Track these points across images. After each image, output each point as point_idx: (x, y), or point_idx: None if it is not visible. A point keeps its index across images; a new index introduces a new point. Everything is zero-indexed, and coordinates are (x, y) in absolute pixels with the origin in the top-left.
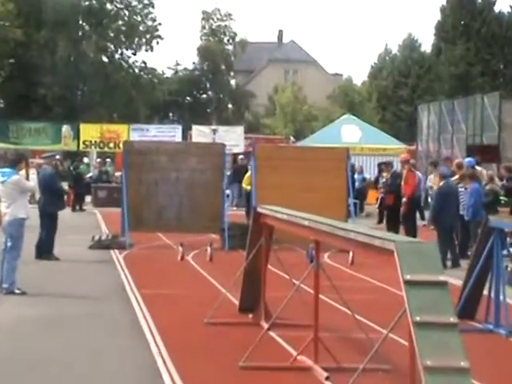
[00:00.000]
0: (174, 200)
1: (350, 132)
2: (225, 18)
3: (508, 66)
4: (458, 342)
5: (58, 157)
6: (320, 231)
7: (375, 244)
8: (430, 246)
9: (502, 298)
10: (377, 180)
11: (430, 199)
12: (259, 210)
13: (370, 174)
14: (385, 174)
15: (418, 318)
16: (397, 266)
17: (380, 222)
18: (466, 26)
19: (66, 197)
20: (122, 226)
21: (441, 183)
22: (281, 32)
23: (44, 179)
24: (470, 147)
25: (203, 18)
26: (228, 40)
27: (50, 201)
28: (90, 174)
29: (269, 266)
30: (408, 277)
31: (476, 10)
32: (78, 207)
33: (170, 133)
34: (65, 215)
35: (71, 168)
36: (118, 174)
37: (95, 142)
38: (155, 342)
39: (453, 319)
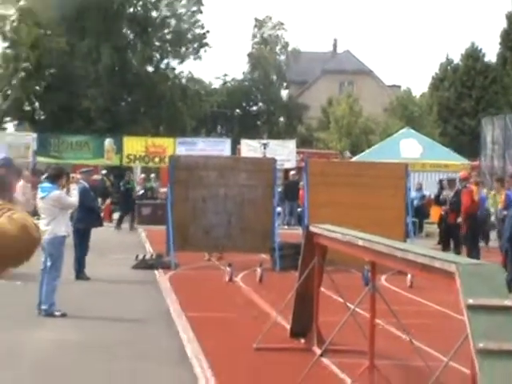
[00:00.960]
0: (223, 218)
1: (409, 147)
2: (277, 27)
3: None
4: None
5: (104, 171)
6: (376, 252)
7: (435, 266)
8: (493, 268)
9: None
10: (438, 197)
11: (493, 219)
12: (312, 229)
13: (430, 191)
14: (444, 193)
15: (481, 345)
16: (458, 289)
17: (440, 242)
18: None
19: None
20: (167, 245)
21: None
22: (335, 41)
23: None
24: None
25: (255, 26)
26: (280, 49)
27: (82, 217)
28: (140, 191)
29: (322, 289)
30: (470, 301)
31: None
32: (129, 226)
33: (219, 147)
34: (108, 233)
35: (121, 184)
36: (163, 190)
37: (139, 156)
38: (202, 369)
39: None
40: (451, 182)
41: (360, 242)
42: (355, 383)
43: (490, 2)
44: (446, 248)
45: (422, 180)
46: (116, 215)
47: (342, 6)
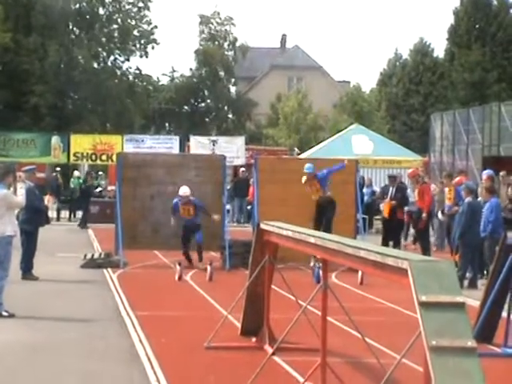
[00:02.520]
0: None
1: (361, 143)
2: (225, 23)
3: None
4: (476, 367)
5: (58, 169)
6: (328, 249)
7: (388, 263)
8: (446, 265)
9: None
10: (383, 193)
11: (439, 215)
12: (262, 226)
13: (380, 187)
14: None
15: (434, 342)
16: (411, 286)
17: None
18: (480, 29)
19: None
20: (115, 244)
21: (468, 199)
22: (284, 37)
23: None
24: (486, 159)
25: (201, 22)
26: (228, 45)
27: (28, 218)
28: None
29: (273, 287)
30: (423, 298)
31: (491, 13)
32: (79, 223)
33: (167, 144)
34: (56, 232)
35: (80, 182)
36: (111, 188)
37: (87, 154)
38: (152, 367)
39: (471, 343)
40: (392, 178)
41: (312, 240)
42: (307, 382)
43: None
44: (385, 244)
45: (372, 176)
46: (64, 213)
47: (292, 1)
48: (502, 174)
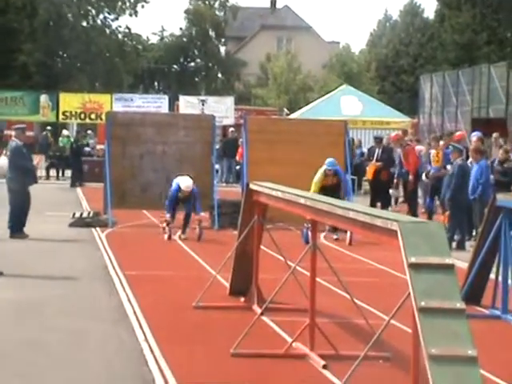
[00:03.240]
0: (161, 175)
1: (350, 104)
2: None
3: None
4: (465, 329)
5: (48, 128)
6: (317, 210)
7: (377, 224)
8: (435, 226)
9: (510, 282)
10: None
11: (423, 177)
12: (252, 186)
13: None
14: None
15: (422, 304)
16: (400, 247)
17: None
18: None
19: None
20: (104, 203)
21: (458, 160)
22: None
23: (10, 153)
24: (475, 121)
25: None
26: (219, 5)
27: (15, 176)
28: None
29: (262, 247)
30: (413, 259)
31: None
32: (77, 183)
33: (156, 103)
34: (44, 191)
35: (72, 140)
36: (99, 147)
37: (76, 112)
38: (141, 326)
39: (460, 305)
40: (377, 139)
41: (302, 200)
42: (296, 342)
43: None
44: (373, 205)
45: (362, 137)
46: (52, 172)
47: None
48: (494, 135)
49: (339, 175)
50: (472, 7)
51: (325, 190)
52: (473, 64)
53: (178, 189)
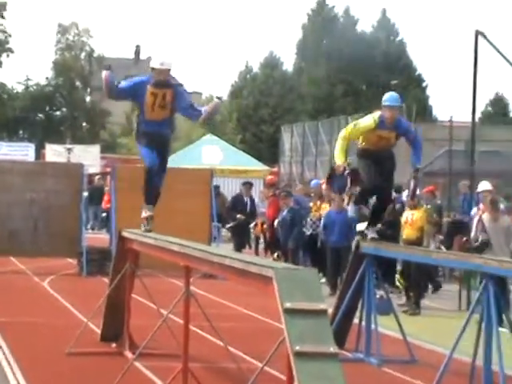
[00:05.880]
0: (29, 223)
1: (210, 153)
2: (82, 34)
3: (370, 86)
4: (338, 372)
5: None
6: (192, 257)
7: (252, 271)
8: (309, 273)
9: (373, 326)
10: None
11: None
12: (124, 234)
13: (229, 196)
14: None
15: (297, 348)
16: (275, 293)
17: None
18: (327, 45)
19: None
20: None
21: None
22: (138, 48)
23: None
24: (333, 169)
25: (59, 32)
26: (85, 56)
27: None
28: None
29: (134, 295)
30: (287, 305)
31: (338, 30)
32: None
33: (23, 151)
34: None
35: None
36: None
37: None
38: (14, 375)
39: (333, 349)
40: (246, 185)
41: (175, 248)
42: None
43: (288, 13)
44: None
45: (225, 185)
46: None
47: (145, 13)
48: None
49: (403, 128)
50: (329, 61)
51: (371, 154)
52: (331, 115)
53: (146, 77)
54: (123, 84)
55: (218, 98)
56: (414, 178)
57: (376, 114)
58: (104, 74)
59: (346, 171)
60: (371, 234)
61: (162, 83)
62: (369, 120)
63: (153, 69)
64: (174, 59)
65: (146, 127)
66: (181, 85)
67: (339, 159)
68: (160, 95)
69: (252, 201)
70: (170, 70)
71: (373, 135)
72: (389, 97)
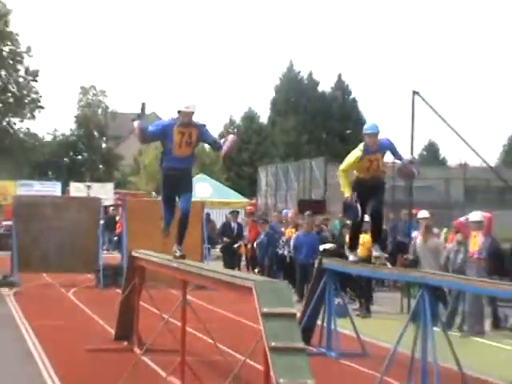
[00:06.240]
0: (57, 245)
1: (202, 188)
2: (99, 94)
3: (328, 135)
4: (305, 363)
5: None
6: (187, 272)
7: (236, 282)
8: (282, 284)
9: (332, 327)
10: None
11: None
12: (134, 254)
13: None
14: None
15: (272, 344)
16: (255, 301)
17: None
18: (295, 102)
19: None
20: (11, 267)
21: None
22: (143, 105)
23: None
24: (300, 202)
25: (81, 93)
26: (101, 111)
27: None
28: None
29: (143, 303)
30: (265, 309)
31: (303, 89)
32: None
33: (52, 188)
34: None
35: None
36: (6, 223)
37: None
38: (45, 365)
39: (301, 345)
40: (234, 213)
41: (175, 265)
42: (170, 376)
43: (263, 75)
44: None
45: (214, 215)
46: None
47: (149, 74)
48: (307, 213)
49: (385, 145)
50: (296, 114)
51: (362, 185)
52: (298, 158)
53: (172, 119)
54: (152, 129)
55: (232, 133)
56: (412, 162)
57: (360, 145)
58: (135, 123)
59: (354, 199)
60: (352, 258)
61: (187, 124)
62: (355, 151)
63: (179, 112)
64: (197, 103)
65: (173, 163)
66: (204, 125)
67: (346, 192)
68: (187, 134)
69: (239, 225)
70: (193, 112)
71: (363, 162)
72: (369, 126)
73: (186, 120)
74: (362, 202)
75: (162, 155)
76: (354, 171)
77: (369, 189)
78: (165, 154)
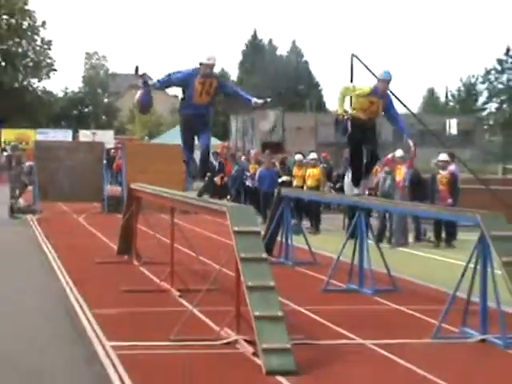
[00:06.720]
0: (70, 180)
1: None
2: (101, 58)
3: (286, 90)
4: (268, 270)
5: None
6: (175, 200)
7: (213, 208)
8: (249, 209)
9: (289, 242)
10: None
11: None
12: (132, 186)
13: None
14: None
15: (242, 255)
16: (228, 221)
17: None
18: (258, 63)
19: None
20: (33, 197)
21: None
22: (137, 67)
23: None
24: (264, 143)
25: (86, 58)
26: (103, 73)
27: None
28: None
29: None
30: (235, 228)
31: (265, 53)
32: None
33: (64, 135)
34: None
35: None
36: (28, 163)
37: (10, 141)
38: (64, 277)
39: (264, 255)
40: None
41: (165, 195)
42: (162, 281)
43: (232, 42)
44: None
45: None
46: None
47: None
48: (266, 152)
49: (389, 100)
50: (259, 74)
51: (357, 125)
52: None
53: (194, 69)
54: (174, 76)
55: (267, 101)
56: (413, 144)
57: (371, 85)
58: (138, 95)
59: (345, 117)
60: (356, 191)
61: (208, 74)
62: (366, 86)
63: (201, 63)
64: (217, 55)
65: (192, 109)
66: (222, 76)
67: (339, 109)
68: (207, 83)
69: (221, 163)
70: (214, 64)
71: (365, 100)
72: (385, 72)
73: (207, 71)
74: (357, 142)
75: (182, 101)
76: (354, 110)
77: (363, 130)
78: (184, 100)
